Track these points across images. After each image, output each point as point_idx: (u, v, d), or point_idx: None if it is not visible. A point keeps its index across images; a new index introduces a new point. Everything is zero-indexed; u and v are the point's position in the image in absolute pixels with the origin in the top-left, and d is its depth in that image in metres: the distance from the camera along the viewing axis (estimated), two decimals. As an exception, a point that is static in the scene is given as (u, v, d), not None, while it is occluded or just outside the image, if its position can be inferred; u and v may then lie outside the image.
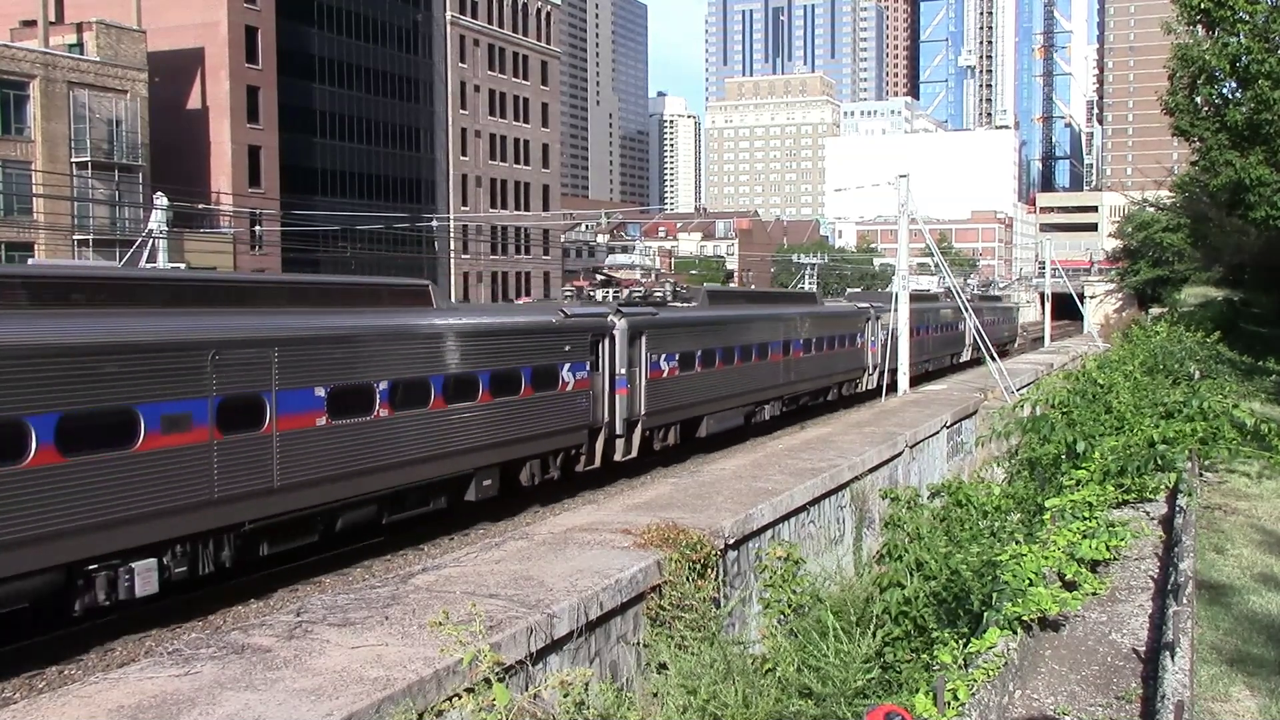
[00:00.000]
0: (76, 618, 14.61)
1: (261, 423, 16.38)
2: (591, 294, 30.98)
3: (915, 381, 39.33)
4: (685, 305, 31.55)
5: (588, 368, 24.67)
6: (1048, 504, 12.83)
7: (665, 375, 27.75)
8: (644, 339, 26.81)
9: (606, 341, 25.54)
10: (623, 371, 25.91)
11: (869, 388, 41.92)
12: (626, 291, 32.26)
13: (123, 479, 14.30)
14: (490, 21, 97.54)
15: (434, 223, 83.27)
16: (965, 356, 55.65)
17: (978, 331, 36.02)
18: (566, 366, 23.83)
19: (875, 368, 42.42)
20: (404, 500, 19.74)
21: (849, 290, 67.93)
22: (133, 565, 14.65)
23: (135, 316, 15.23)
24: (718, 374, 30.84)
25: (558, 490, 24.72)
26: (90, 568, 14.23)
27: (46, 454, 13.38)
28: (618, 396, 25.77)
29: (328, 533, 18.31)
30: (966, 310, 37.49)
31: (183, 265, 35.15)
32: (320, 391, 17.45)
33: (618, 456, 26.31)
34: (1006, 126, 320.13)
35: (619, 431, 26.00)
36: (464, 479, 21.05)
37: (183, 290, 16.87)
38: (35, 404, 13.35)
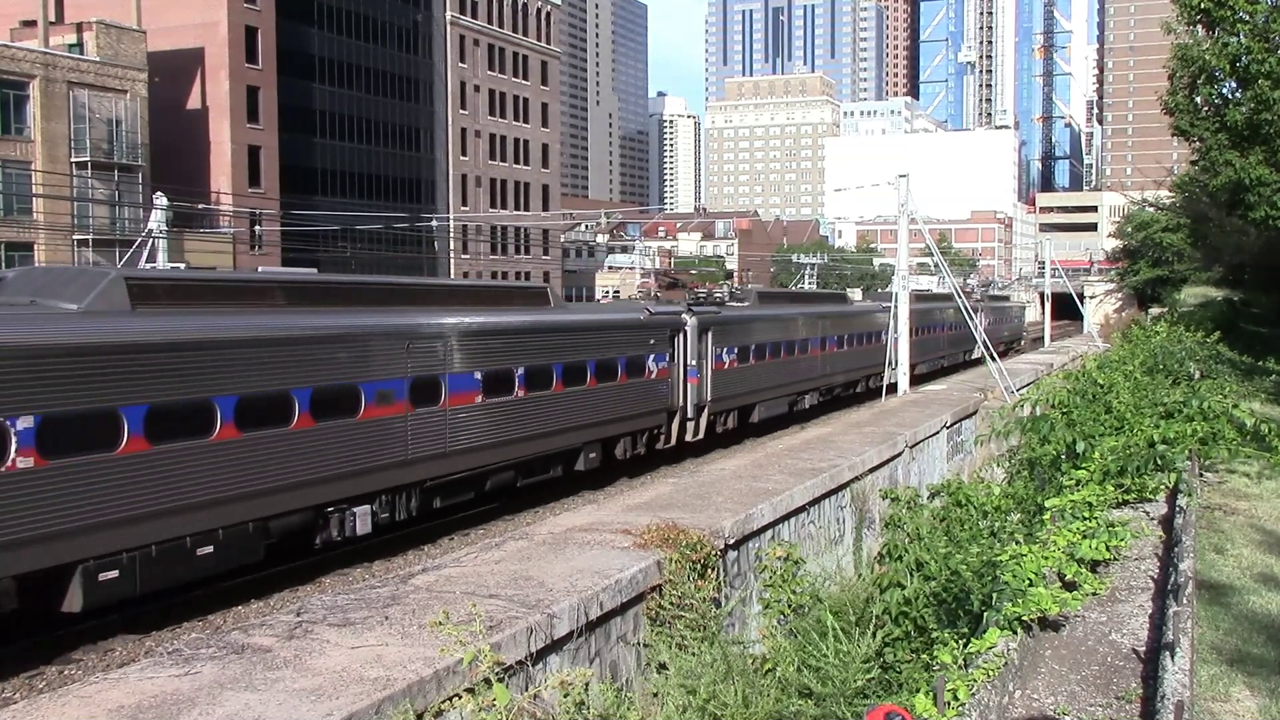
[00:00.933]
0: (316, 549, 18.70)
1: (439, 399, 20.41)
2: (656, 294, 33.69)
3: (934, 375, 41.59)
4: (740, 305, 34.81)
5: (667, 359, 28.49)
6: (1048, 504, 12.83)
7: (727, 366, 31.42)
8: (710, 334, 30.41)
9: (681, 336, 29.27)
10: (693, 363, 29.54)
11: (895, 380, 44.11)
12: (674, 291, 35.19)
13: (352, 441, 18.41)
14: (490, 21, 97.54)
15: (434, 223, 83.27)
16: (977, 353, 57.97)
17: (977, 331, 36.17)
18: (651, 357, 27.74)
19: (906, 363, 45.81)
20: (533, 468, 23.48)
21: (849, 290, 68.87)
22: (354, 510, 18.69)
23: (355, 313, 19.48)
24: (768, 366, 34.48)
25: (557, 490, 24.93)
26: (329, 510, 18.23)
27: (305, 420, 17.48)
28: (689, 385, 29.44)
29: (479, 491, 22.01)
30: (967, 311, 37.75)
31: (182, 265, 35.19)
32: (478, 375, 21.52)
33: (689, 437, 29.75)
34: (1006, 126, 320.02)
35: (690, 415, 29.55)
36: (575, 452, 24.90)
37: (383, 292, 21.31)
38: (297, 381, 17.46)
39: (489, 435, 21.61)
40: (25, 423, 13.64)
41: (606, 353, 25.71)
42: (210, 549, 15.91)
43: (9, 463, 13.51)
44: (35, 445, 13.74)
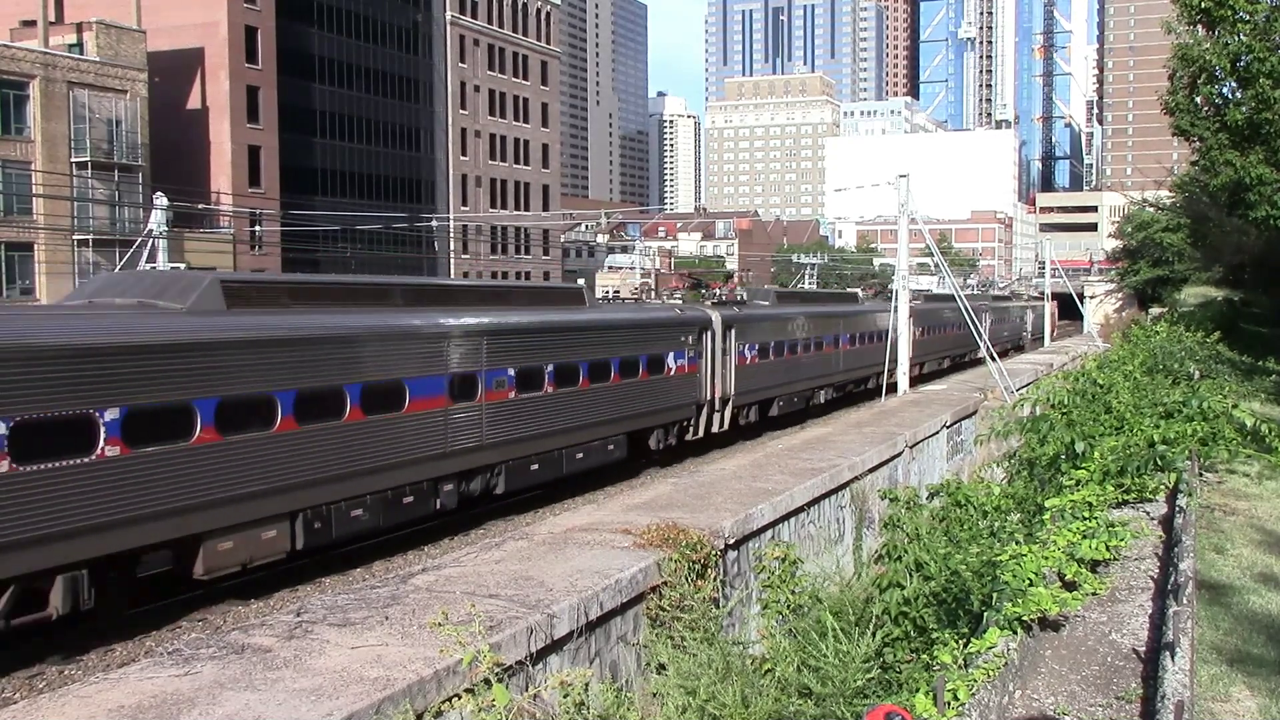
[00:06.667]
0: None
1: (838, 347, 40.90)
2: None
3: (1003, 354, 56.37)
4: (928, 303, 54.02)
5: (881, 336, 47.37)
6: (1047, 504, 12.81)
7: (920, 336, 48.89)
8: (912, 319, 46.48)
9: (893, 318, 46.98)
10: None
11: (976, 356, 60.41)
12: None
13: (824, 361, 40.18)
14: (490, 21, 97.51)
15: (434, 223, 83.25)
16: (1027, 341, 78.55)
17: (977, 331, 36.43)
18: (874, 335, 45.29)
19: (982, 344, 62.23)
20: (844, 387, 42.54)
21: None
22: (820, 392, 39.73)
23: (819, 305, 42.58)
24: (935, 339, 54.66)
25: (557, 490, 25.03)
26: (814, 391, 39.22)
27: (821, 349, 40.13)
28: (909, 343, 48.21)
29: (842, 392, 42.23)
30: (968, 313, 37.98)
31: (182, 266, 35.15)
32: (847, 337, 42.40)
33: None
34: (1006, 120, 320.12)
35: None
36: (864, 379, 43.89)
37: (820, 296, 47.74)
38: (810, 335, 39.10)
39: (849, 365, 41.96)
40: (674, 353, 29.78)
41: (864, 328, 44.07)
42: (782, 405, 36.26)
43: (678, 367, 29.15)
44: (688, 359, 29.73)
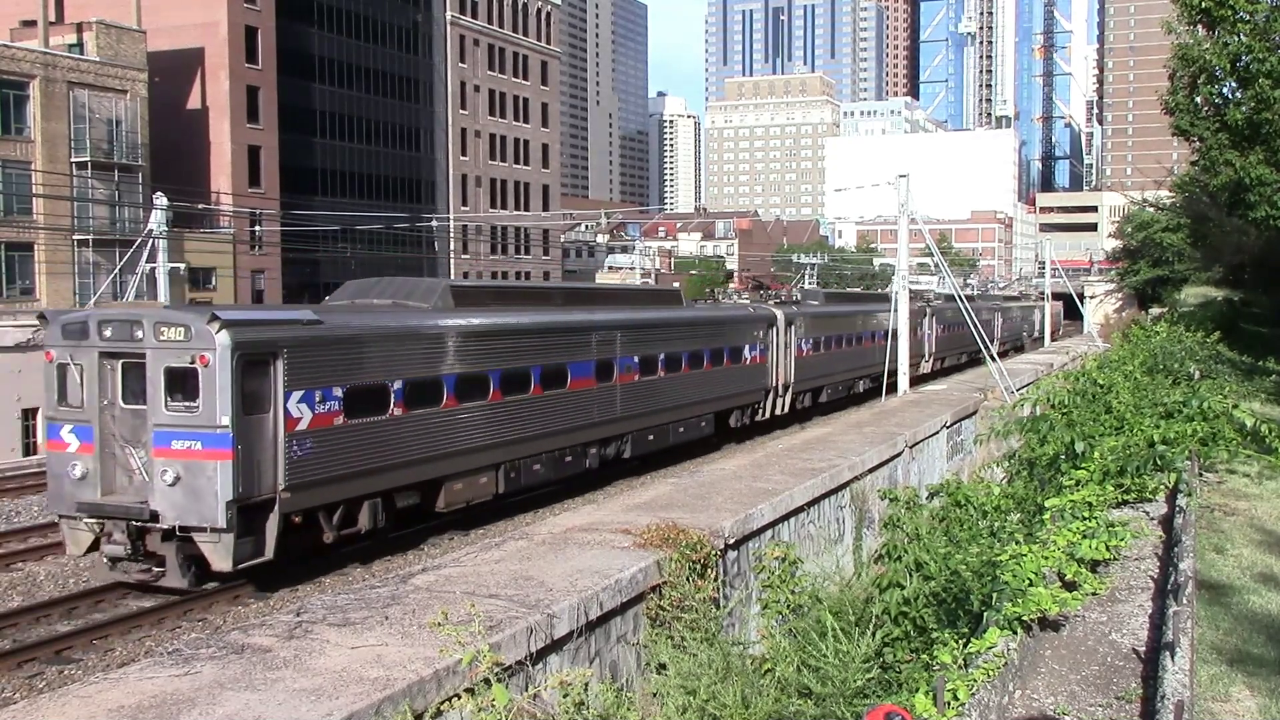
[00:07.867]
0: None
1: (874, 343, 43.92)
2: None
3: (1008, 351, 60.67)
4: (948, 302, 55.97)
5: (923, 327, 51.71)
6: (1047, 504, 12.79)
7: (942, 334, 54.75)
8: (934, 317, 53.29)
9: (927, 318, 51.61)
10: (928, 332, 52.34)
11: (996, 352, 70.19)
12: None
13: (861, 353, 43.54)
14: (490, 21, 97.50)
15: (434, 223, 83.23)
16: (1036, 334, 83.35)
17: (977, 331, 36.44)
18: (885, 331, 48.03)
19: (997, 340, 65.08)
20: (879, 378, 42.51)
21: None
22: (860, 382, 43.28)
23: (854, 304, 48.01)
24: (954, 335, 56.36)
25: (557, 490, 25.06)
26: (856, 381, 43.30)
27: (865, 343, 44.64)
28: (936, 338, 53.97)
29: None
30: (968, 313, 37.99)
31: (182, 266, 35.14)
32: (876, 333, 44.79)
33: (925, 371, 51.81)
34: (1007, 116, 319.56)
35: (925, 358, 51.95)
36: (891, 371, 43.37)
37: (865, 297, 55.54)
38: (865, 328, 45.06)
39: (883, 358, 39.71)
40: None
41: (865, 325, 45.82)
42: (830, 392, 40.36)
43: (752, 358, 34.06)
44: (759, 351, 34.63)
